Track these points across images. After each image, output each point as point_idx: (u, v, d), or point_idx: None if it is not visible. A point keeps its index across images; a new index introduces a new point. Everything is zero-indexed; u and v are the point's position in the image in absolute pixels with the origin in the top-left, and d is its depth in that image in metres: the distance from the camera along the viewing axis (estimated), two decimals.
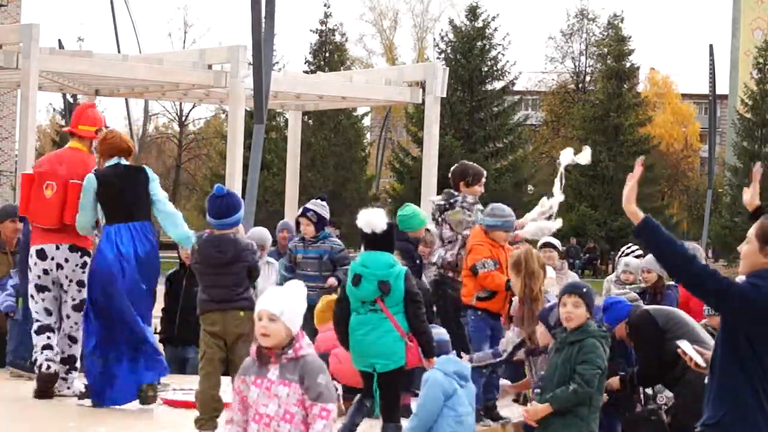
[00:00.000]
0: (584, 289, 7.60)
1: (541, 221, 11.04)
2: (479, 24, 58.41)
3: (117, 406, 10.01)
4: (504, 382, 9.64)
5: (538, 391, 7.56)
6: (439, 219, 10.77)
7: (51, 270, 10.04)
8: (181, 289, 12.30)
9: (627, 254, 12.78)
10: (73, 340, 10.23)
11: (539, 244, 12.19)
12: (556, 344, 7.53)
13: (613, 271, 14.24)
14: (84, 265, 10.05)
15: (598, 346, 7.37)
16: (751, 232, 5.76)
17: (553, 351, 7.57)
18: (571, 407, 7.35)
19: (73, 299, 10.11)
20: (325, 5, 59.50)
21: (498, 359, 9.21)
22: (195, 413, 8.70)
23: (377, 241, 8.36)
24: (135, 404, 10.35)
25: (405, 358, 8.20)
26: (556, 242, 12.39)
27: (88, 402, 9.96)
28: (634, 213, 5.73)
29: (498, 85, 58.43)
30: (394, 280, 8.21)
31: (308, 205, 12.05)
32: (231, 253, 8.56)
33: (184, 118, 71.09)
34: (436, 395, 7.82)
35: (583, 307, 7.50)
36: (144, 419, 9.83)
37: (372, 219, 8.33)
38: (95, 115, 10.52)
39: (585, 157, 11.17)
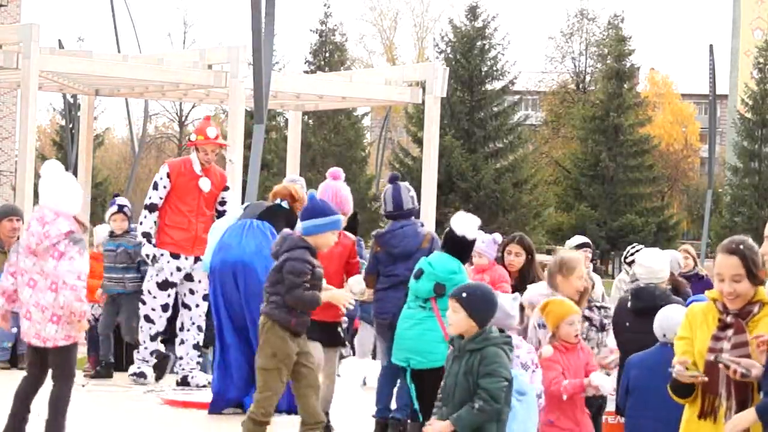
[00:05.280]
0: (464, 294, 6.73)
1: None
2: (479, 24, 58.41)
3: (118, 407, 10.01)
4: None
5: (438, 404, 6.83)
6: None
7: None
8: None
9: (633, 254, 12.75)
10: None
11: (574, 245, 12.13)
12: (454, 352, 6.80)
13: (613, 271, 14.25)
14: None
15: (501, 354, 6.63)
16: None
17: (451, 359, 6.83)
18: (478, 426, 6.58)
19: None
20: (325, 5, 59.58)
21: None
22: (195, 413, 8.68)
23: (456, 247, 8.38)
24: (134, 405, 10.35)
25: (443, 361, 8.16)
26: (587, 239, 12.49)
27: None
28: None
29: (498, 85, 58.42)
30: (451, 286, 8.18)
31: None
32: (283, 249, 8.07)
33: (184, 118, 71.07)
34: None
35: (462, 312, 6.66)
36: (144, 419, 9.83)
37: (467, 223, 8.31)
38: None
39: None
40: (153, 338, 11.77)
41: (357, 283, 8.86)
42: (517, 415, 7.35)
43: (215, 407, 9.81)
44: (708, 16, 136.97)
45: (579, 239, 12.43)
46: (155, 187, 11.48)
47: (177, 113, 70.52)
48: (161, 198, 11.48)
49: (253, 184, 19.36)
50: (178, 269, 11.60)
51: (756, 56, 60.83)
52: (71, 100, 38.55)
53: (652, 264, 9.22)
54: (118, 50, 34.41)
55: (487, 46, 58.34)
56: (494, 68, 58.32)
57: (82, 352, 16.68)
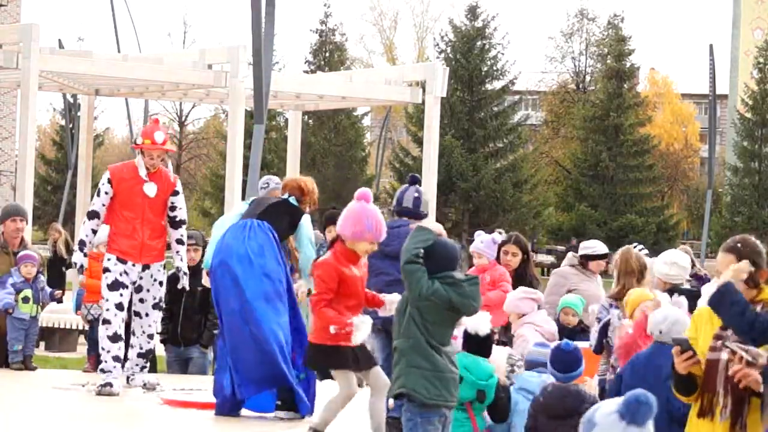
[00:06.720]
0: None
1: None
2: (479, 24, 58.39)
3: (118, 407, 10.00)
4: None
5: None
6: None
7: None
8: (183, 289, 12.29)
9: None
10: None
11: (601, 253, 11.81)
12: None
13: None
14: None
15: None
16: None
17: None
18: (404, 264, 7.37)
19: None
20: (325, 5, 59.58)
21: None
22: (194, 413, 8.67)
23: (480, 346, 8.37)
24: (134, 405, 10.35)
25: None
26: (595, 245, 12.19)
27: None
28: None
29: (498, 84, 58.39)
30: (489, 390, 8.27)
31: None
32: (570, 406, 7.96)
33: (184, 118, 71.11)
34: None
35: None
36: (144, 419, 9.83)
37: (478, 321, 8.30)
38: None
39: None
40: (113, 339, 10.94)
41: (393, 303, 8.67)
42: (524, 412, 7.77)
43: (227, 409, 9.69)
44: (708, 16, 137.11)
45: (601, 248, 11.88)
46: (98, 193, 11.00)
47: (177, 113, 70.56)
48: (103, 205, 10.97)
49: (253, 185, 19.38)
50: (126, 273, 11.05)
51: (756, 56, 60.84)
52: (71, 100, 38.54)
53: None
54: (118, 50, 34.41)
55: (487, 46, 58.32)
56: (494, 68, 58.29)
57: (81, 352, 16.71)
